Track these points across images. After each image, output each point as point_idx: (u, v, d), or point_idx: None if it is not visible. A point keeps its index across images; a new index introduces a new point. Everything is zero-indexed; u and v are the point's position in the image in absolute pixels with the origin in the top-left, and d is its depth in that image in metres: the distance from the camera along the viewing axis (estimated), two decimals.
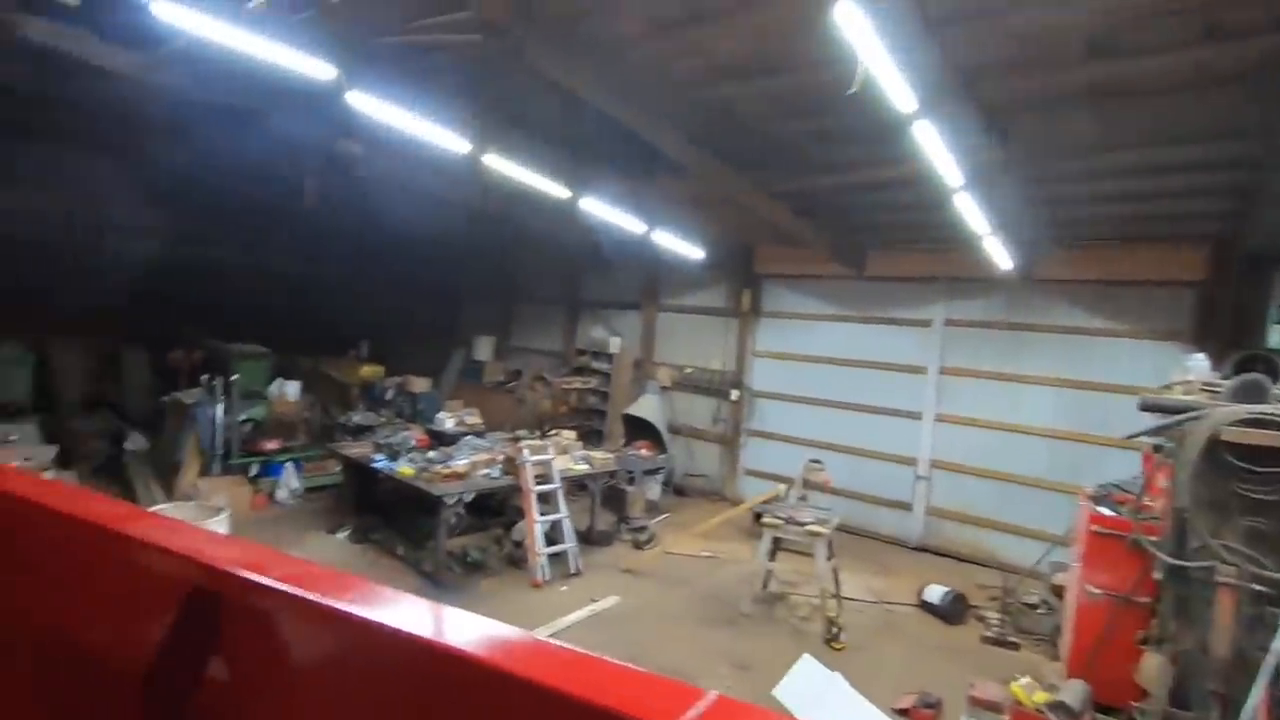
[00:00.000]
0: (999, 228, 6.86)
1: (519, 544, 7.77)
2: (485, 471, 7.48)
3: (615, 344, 11.97)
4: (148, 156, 10.10)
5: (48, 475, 6.87)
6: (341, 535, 7.94)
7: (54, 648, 1.59)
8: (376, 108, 5.72)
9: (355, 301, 17.12)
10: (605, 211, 8.26)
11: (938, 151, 4.86)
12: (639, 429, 10.93)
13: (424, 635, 1.15)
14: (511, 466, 7.52)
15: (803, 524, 6.61)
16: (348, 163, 7.86)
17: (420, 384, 11.98)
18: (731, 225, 10.05)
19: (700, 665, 5.63)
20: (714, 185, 7.26)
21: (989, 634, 6.54)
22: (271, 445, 9.51)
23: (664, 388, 12.09)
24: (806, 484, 7.34)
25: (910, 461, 9.65)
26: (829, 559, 6.61)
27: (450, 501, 6.81)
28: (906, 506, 9.68)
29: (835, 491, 10.16)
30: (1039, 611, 6.75)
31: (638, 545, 8.56)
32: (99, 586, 1.63)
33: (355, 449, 8.16)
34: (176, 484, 8.36)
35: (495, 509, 8.55)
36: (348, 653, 1.32)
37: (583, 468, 8.26)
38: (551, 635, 5.90)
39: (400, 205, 10.77)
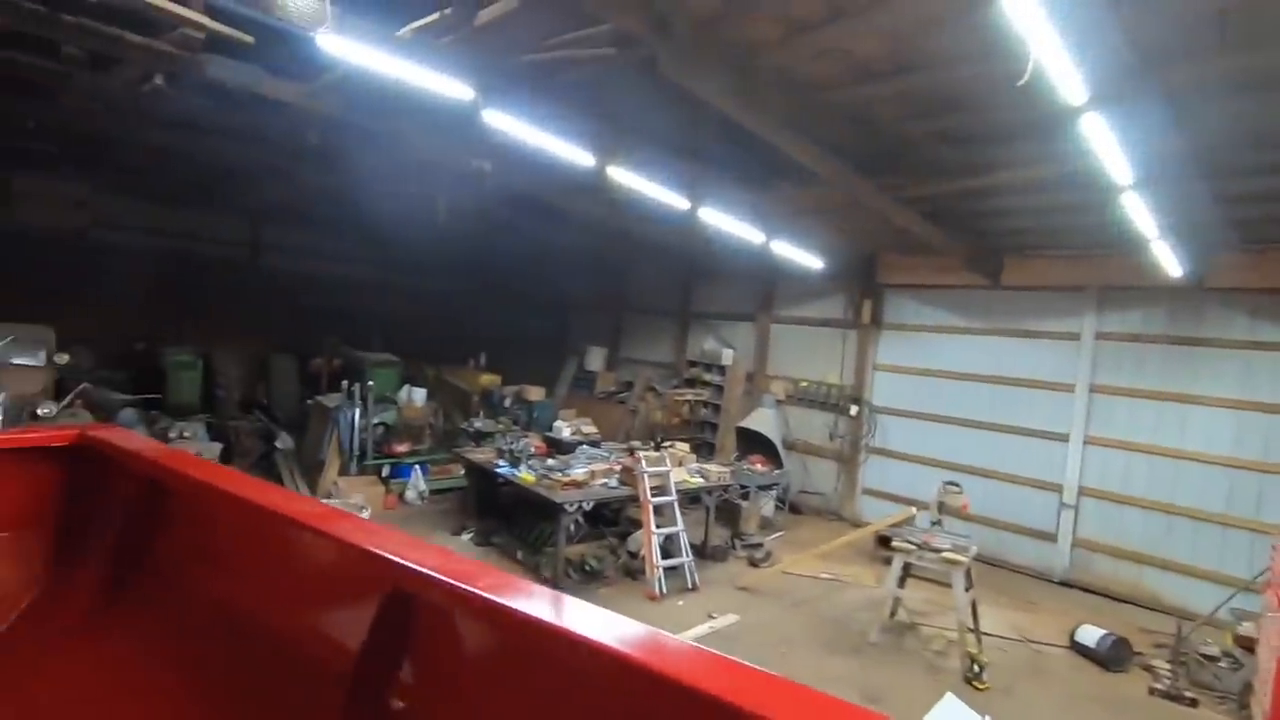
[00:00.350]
0: (1169, 229, 6.16)
1: (634, 554, 7.75)
2: (603, 481, 7.52)
3: (728, 356, 11.80)
4: (298, 181, 10.98)
5: None
6: (465, 537, 8.23)
7: (258, 639, 1.63)
8: (509, 125, 5.92)
9: (474, 313, 18.01)
10: (723, 221, 8.16)
11: (1107, 146, 4.41)
12: (752, 443, 10.68)
13: (605, 642, 1.13)
14: (629, 477, 7.51)
15: (938, 550, 6.16)
16: (477, 180, 8.20)
17: (536, 393, 12.31)
18: (853, 234, 9.66)
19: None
20: (842, 192, 6.98)
21: (1159, 686, 5.80)
22: (401, 448, 10.05)
23: (778, 401, 11.78)
24: (942, 508, 6.85)
25: (1054, 487, 8.83)
26: (967, 590, 6.11)
27: (570, 509, 6.89)
28: (1049, 536, 8.85)
29: (968, 517, 9.52)
30: (1221, 665, 5.92)
31: (753, 563, 8.32)
32: (302, 583, 1.68)
33: (479, 454, 8.44)
34: (320, 481, 8.98)
35: (610, 519, 8.60)
36: (531, 655, 1.33)
37: (697, 481, 8.14)
38: None
39: (520, 220, 11.18)
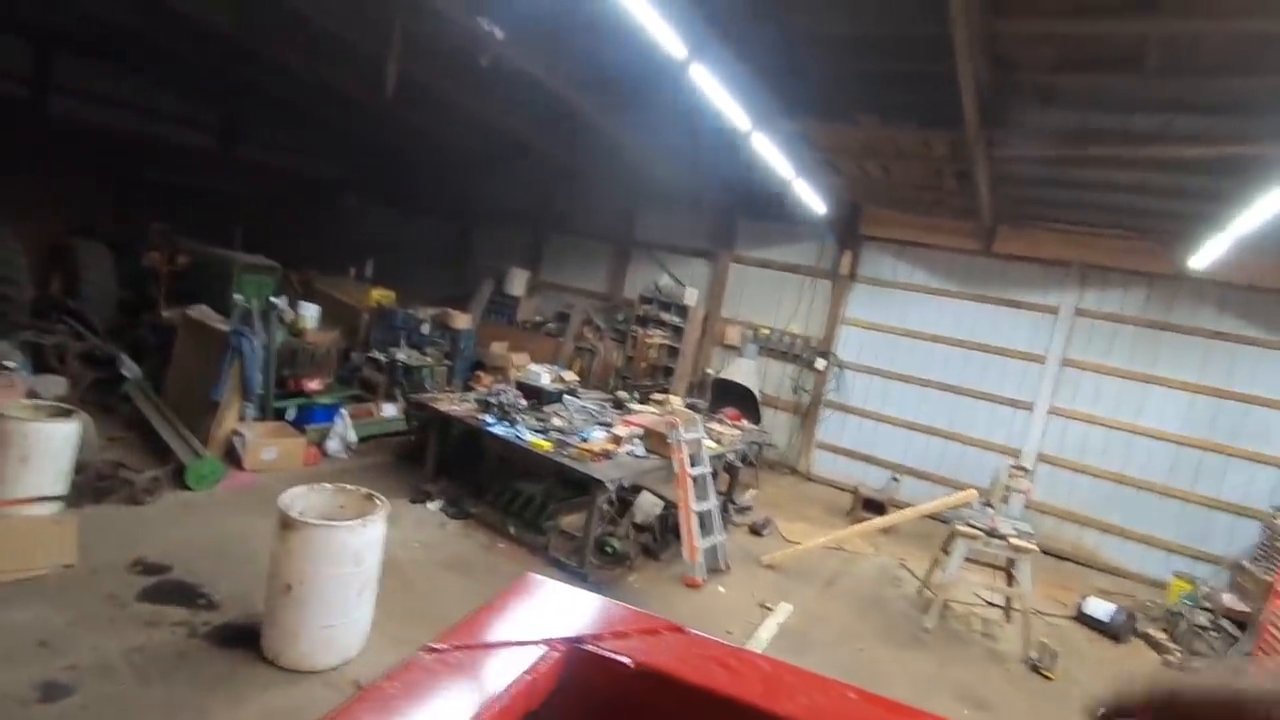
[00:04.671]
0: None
1: (641, 528, 6.77)
2: (628, 449, 6.34)
3: (691, 295, 10.78)
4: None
5: (66, 423, 5.16)
6: (433, 507, 6.62)
7: None
8: None
9: (346, 208, 15.01)
10: (769, 151, 7.01)
11: None
12: (725, 395, 9.94)
13: None
14: (657, 443, 6.41)
15: (1004, 537, 5.94)
16: (474, 47, 6.12)
17: (462, 319, 10.40)
18: (852, 181, 8.96)
19: (938, 704, 4.92)
20: (932, 137, 6.13)
21: (1173, 659, 6.21)
22: (314, 385, 7.88)
23: (727, 346, 11.13)
24: (1008, 490, 6.66)
25: (1012, 453, 9.22)
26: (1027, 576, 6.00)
27: (611, 487, 5.67)
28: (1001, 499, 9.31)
29: (910, 473, 9.74)
30: (1212, 635, 6.49)
31: (754, 531, 7.74)
32: None
33: (456, 406, 6.74)
34: (213, 431, 6.68)
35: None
36: None
37: (711, 444, 7.24)
38: None
39: (471, 109, 8.94)
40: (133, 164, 11.29)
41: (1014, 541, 5.89)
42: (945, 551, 6.35)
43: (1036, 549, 5.91)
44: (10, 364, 5.81)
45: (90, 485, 5.33)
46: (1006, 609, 6.57)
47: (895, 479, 9.45)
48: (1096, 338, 8.79)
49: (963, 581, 6.75)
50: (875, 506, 8.67)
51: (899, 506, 8.70)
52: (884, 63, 5.75)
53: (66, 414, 5.25)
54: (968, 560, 6.52)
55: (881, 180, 8.17)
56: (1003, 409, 9.31)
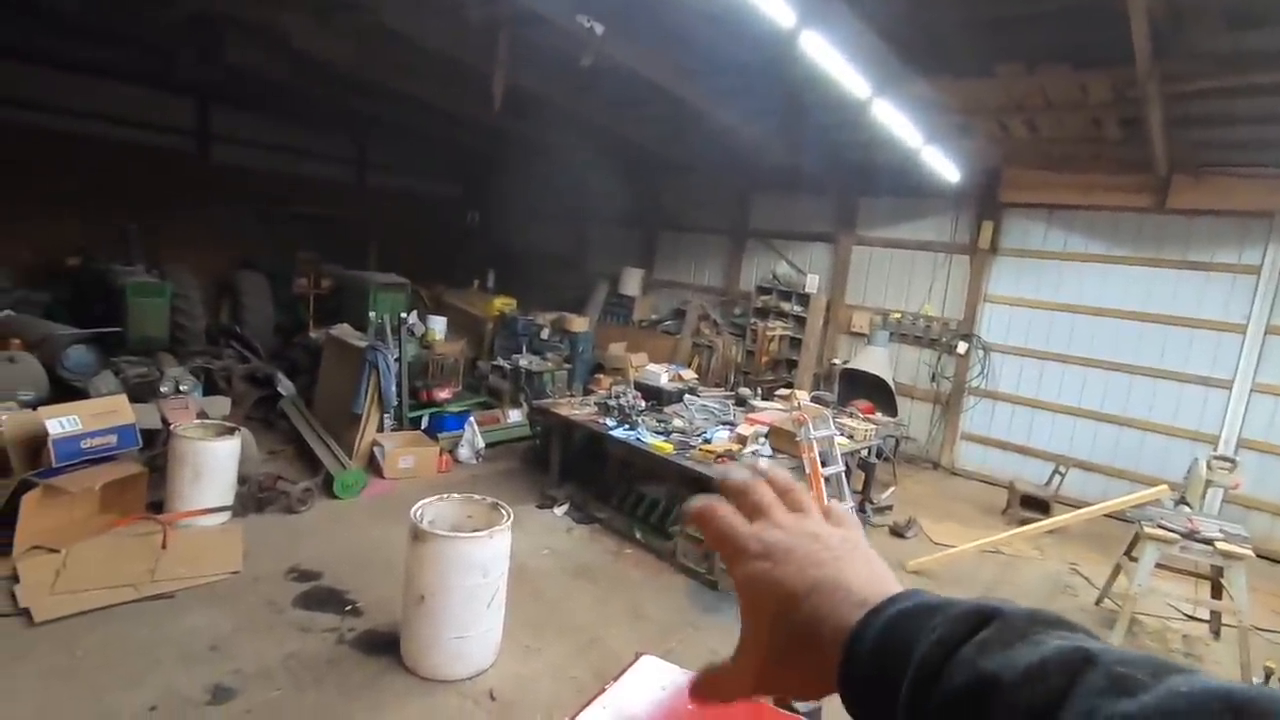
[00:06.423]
0: None
1: None
2: (754, 448, 6.02)
3: (812, 283, 10.23)
4: (269, 41, 8.32)
5: (230, 440, 5.62)
6: (559, 513, 6.64)
7: None
8: None
9: (469, 224, 15.68)
10: (892, 118, 6.42)
11: None
12: (854, 385, 9.34)
13: None
14: (784, 442, 6.04)
15: (1209, 541, 5.04)
16: (579, 46, 6.04)
17: (579, 323, 10.46)
18: (990, 143, 8.06)
19: None
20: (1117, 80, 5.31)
21: None
22: (444, 394, 8.18)
23: (855, 334, 10.45)
24: (1209, 485, 5.72)
25: (1206, 438, 7.93)
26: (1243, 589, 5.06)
27: None
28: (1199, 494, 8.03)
29: (1077, 465, 8.62)
30: None
31: (896, 532, 7.15)
32: None
33: (577, 411, 6.73)
34: (357, 442, 7.09)
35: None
36: None
37: (844, 440, 6.75)
38: None
39: (577, 112, 8.94)
40: (282, 199, 12.35)
41: (1222, 546, 4.97)
42: (1131, 557, 5.50)
43: (1251, 553, 4.96)
44: (184, 387, 6.43)
45: (252, 496, 5.78)
46: (1214, 624, 5.60)
47: (1060, 472, 8.42)
48: None
49: (1151, 591, 5.84)
50: (1037, 504, 7.76)
51: (1065, 503, 7.78)
52: (1026, 4, 5.05)
53: (230, 432, 5.73)
54: (1157, 567, 5.64)
55: (1026, 138, 7.27)
56: (1191, 389, 8.03)
